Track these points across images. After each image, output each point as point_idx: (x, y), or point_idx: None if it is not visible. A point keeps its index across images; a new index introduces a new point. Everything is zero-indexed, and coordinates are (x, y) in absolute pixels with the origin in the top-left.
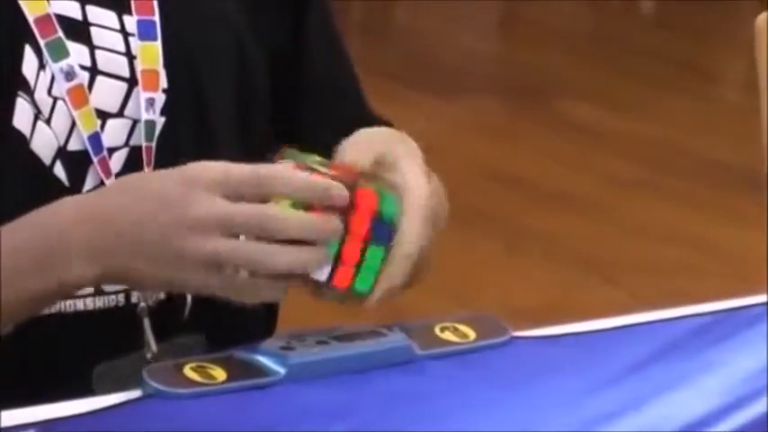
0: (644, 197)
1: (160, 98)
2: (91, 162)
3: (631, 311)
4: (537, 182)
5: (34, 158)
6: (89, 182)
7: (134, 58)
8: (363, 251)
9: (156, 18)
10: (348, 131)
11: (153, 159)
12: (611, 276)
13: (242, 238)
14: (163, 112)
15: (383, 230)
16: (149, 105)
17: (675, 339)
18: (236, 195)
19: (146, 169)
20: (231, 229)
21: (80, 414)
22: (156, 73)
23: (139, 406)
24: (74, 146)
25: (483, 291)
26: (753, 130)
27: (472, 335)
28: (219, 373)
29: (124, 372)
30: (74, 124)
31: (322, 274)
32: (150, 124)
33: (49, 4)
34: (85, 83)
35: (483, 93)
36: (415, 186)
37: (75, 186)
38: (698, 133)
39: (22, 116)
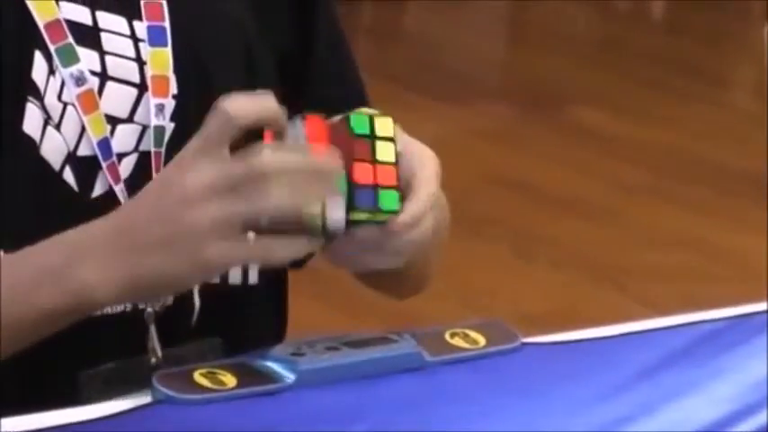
0: (653, 203)
1: (170, 104)
2: (100, 167)
3: (640, 317)
4: (546, 187)
5: (44, 163)
6: (98, 187)
7: (144, 63)
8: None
9: (167, 24)
10: None
11: (162, 165)
12: (621, 282)
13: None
14: (173, 118)
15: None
16: (159, 111)
17: (685, 346)
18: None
19: (155, 175)
20: (233, 187)
21: (91, 419)
22: (167, 79)
23: (150, 412)
24: (83, 151)
25: (492, 296)
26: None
27: (482, 341)
28: (229, 379)
29: (116, 378)
30: (83, 130)
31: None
32: (160, 130)
33: (59, 9)
34: (95, 88)
35: (492, 98)
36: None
37: (85, 192)
38: (707, 139)
39: (31, 121)
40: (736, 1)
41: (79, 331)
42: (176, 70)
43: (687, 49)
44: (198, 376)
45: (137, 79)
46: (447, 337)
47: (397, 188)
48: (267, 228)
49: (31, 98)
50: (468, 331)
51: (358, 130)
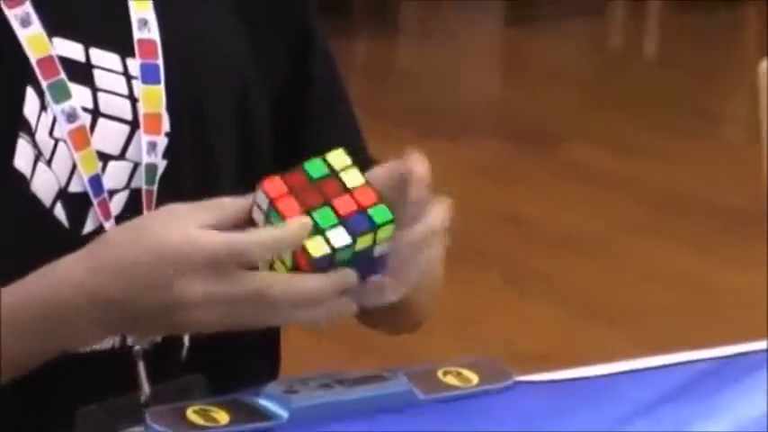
0: (648, 239)
1: (162, 141)
2: (91, 204)
3: (634, 355)
4: (541, 224)
5: (34, 200)
6: (89, 224)
7: (137, 101)
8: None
9: (160, 61)
10: None
11: (154, 203)
12: (615, 320)
13: None
14: (165, 156)
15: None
16: (151, 149)
17: (682, 383)
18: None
19: (145, 213)
20: (231, 306)
21: None
22: (159, 116)
23: None
24: (75, 188)
25: (486, 332)
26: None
27: (475, 379)
28: (222, 416)
29: (108, 414)
30: (75, 166)
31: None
32: (151, 167)
33: (52, 45)
34: (87, 125)
35: (485, 134)
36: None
37: (75, 228)
38: (702, 174)
39: (22, 157)
40: (729, 37)
41: (70, 369)
42: (169, 108)
43: (680, 85)
44: (191, 413)
45: (129, 116)
46: (440, 375)
47: (381, 202)
48: None
49: (22, 134)
50: (460, 369)
51: (316, 174)
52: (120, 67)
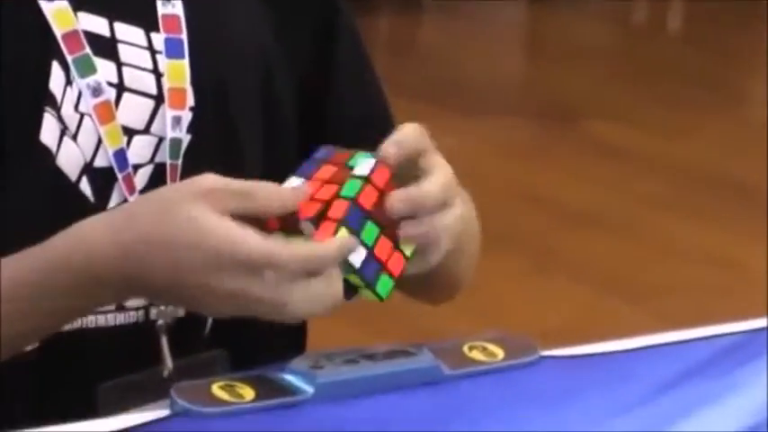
0: (671, 217)
1: (187, 116)
2: (116, 179)
3: (657, 331)
4: (564, 202)
5: (60, 174)
6: (114, 198)
7: (161, 75)
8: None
9: (184, 36)
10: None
11: (178, 177)
12: (639, 297)
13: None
14: (189, 130)
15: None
16: (176, 123)
17: (703, 359)
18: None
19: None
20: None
21: None
22: (184, 91)
23: (168, 424)
24: (100, 162)
25: (511, 310)
26: None
27: (501, 354)
28: (248, 392)
29: (131, 389)
30: (100, 141)
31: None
32: (176, 142)
33: (77, 20)
34: (112, 99)
35: (509, 112)
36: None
37: (101, 203)
38: (725, 152)
39: (48, 132)
40: (753, 13)
41: (92, 342)
42: (193, 83)
43: (703, 62)
44: (216, 389)
45: (154, 91)
46: (465, 350)
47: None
48: None
49: (48, 108)
50: (486, 344)
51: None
52: (144, 42)
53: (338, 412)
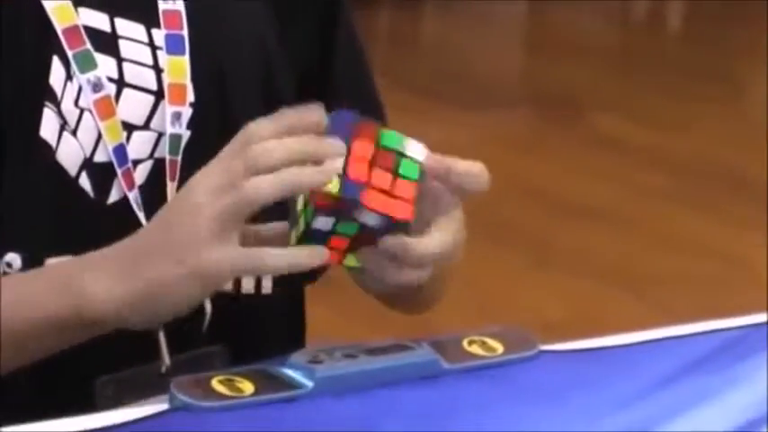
0: (672, 210)
1: (187, 112)
2: (116, 174)
3: (658, 325)
4: (565, 195)
5: (60, 169)
6: (114, 194)
7: (161, 71)
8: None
9: (185, 32)
10: None
11: (178, 173)
12: (640, 290)
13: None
14: (189, 126)
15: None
16: (175, 119)
17: (703, 354)
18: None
19: (168, 183)
20: (232, 183)
21: (109, 426)
22: (184, 87)
23: (167, 419)
24: (100, 157)
25: (511, 304)
26: None
27: (500, 348)
28: (247, 386)
29: (128, 384)
30: (100, 136)
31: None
32: (175, 138)
33: (77, 15)
34: (112, 95)
35: (511, 106)
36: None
37: (100, 198)
38: (726, 146)
39: (48, 127)
40: (752, 8)
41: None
42: (194, 78)
43: (704, 55)
44: (216, 383)
45: (154, 87)
46: (465, 344)
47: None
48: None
49: (48, 103)
50: (485, 339)
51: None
52: (145, 38)
53: (337, 406)
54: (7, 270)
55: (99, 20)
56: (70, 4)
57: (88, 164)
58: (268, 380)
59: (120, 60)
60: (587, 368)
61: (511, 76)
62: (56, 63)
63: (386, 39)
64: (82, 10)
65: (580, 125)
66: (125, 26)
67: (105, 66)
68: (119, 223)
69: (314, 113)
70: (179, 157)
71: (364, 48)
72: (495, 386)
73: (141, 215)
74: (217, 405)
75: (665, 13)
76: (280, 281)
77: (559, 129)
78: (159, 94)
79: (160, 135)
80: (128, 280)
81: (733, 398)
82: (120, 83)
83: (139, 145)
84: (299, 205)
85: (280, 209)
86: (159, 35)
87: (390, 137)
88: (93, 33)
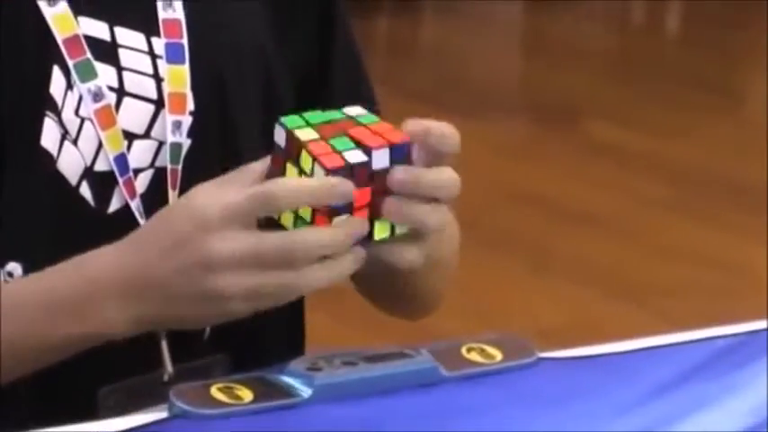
0: (671, 218)
1: (187, 120)
2: (117, 183)
3: (657, 332)
4: (563, 202)
5: (61, 178)
6: (114, 203)
7: (162, 80)
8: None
9: (185, 41)
10: None
11: (179, 182)
12: (638, 298)
13: None
14: (190, 135)
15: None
16: (176, 128)
17: (702, 361)
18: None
19: (170, 192)
20: (262, 263)
21: None
22: (184, 95)
23: (166, 426)
24: (100, 166)
25: (509, 312)
26: None
27: (499, 356)
28: (246, 394)
29: (131, 394)
30: (100, 145)
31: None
32: (176, 146)
33: (78, 24)
34: (113, 104)
35: (508, 112)
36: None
37: (101, 207)
38: (724, 153)
39: (49, 136)
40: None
41: (91, 347)
42: (194, 87)
43: (702, 62)
44: (215, 391)
45: (154, 95)
46: (464, 351)
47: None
48: None
49: (48, 113)
50: (484, 346)
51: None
52: (145, 47)
53: (336, 414)
54: (8, 279)
55: (99, 29)
56: (70, 13)
57: (89, 173)
58: (267, 387)
59: (120, 69)
60: (586, 375)
61: (510, 82)
62: (56, 72)
63: (384, 46)
64: (82, 19)
65: (579, 132)
66: (125, 35)
67: (105, 75)
68: (119, 232)
69: None
70: (180, 166)
71: (360, 52)
72: (494, 393)
73: (143, 223)
74: (215, 413)
75: (664, 15)
76: None
77: (558, 135)
78: (159, 103)
79: (161, 144)
80: (147, 315)
81: (732, 405)
82: (121, 92)
83: (140, 154)
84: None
85: None
86: (159, 44)
87: (327, 115)
88: (93, 42)
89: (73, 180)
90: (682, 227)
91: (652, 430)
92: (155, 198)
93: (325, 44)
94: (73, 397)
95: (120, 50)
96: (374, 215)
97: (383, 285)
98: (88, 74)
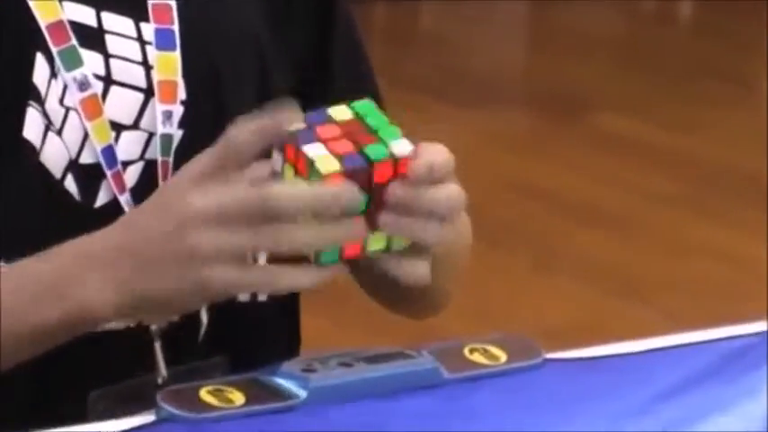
0: (680, 213)
1: (178, 110)
2: (104, 176)
3: (664, 331)
4: (568, 196)
5: (44, 171)
6: (102, 196)
7: (151, 67)
8: None
9: (176, 27)
10: None
11: (170, 174)
12: (645, 295)
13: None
14: (181, 125)
15: None
16: (166, 118)
17: (713, 362)
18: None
19: (161, 185)
20: (243, 218)
21: None
22: (175, 84)
23: (153, 431)
24: (86, 159)
25: (513, 309)
26: None
27: (503, 357)
28: (237, 397)
29: (122, 397)
30: (86, 136)
31: None
32: (167, 138)
33: (62, 9)
34: (99, 93)
35: (512, 103)
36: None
37: (87, 201)
38: (734, 146)
39: (32, 127)
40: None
41: (85, 348)
42: (185, 75)
43: (714, 53)
44: (204, 394)
45: (143, 84)
46: (466, 352)
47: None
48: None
49: (31, 102)
50: (488, 347)
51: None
52: (133, 32)
53: (332, 417)
54: None
55: (85, 14)
56: None
57: (74, 165)
58: (259, 390)
59: (107, 56)
60: (593, 378)
61: (513, 72)
62: (39, 60)
63: (383, 35)
64: (66, 4)
65: (584, 125)
66: (112, 20)
67: (91, 62)
68: (106, 226)
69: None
70: (171, 158)
71: (362, 40)
72: (498, 396)
73: None
74: (205, 416)
75: (675, 2)
76: None
77: (564, 128)
78: (149, 92)
79: (150, 135)
80: (125, 289)
81: (741, 408)
82: (108, 80)
83: (129, 146)
84: None
85: None
86: (148, 30)
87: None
88: (78, 28)
89: (57, 173)
90: (691, 222)
91: None
92: (146, 192)
93: (325, 38)
94: (66, 400)
95: (107, 36)
96: (371, 227)
97: (389, 285)
98: (73, 61)
